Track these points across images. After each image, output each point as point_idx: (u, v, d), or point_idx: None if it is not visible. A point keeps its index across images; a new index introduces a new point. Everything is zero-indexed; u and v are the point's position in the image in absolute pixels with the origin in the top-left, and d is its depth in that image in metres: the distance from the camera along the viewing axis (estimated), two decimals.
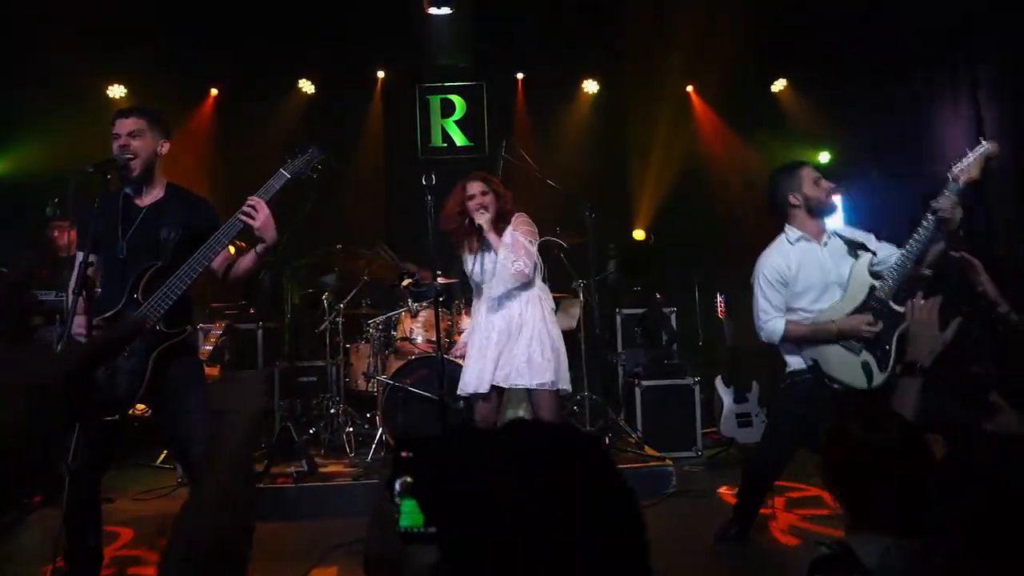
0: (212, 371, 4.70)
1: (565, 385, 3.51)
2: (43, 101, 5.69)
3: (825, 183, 3.16)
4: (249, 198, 2.75)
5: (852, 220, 6.07)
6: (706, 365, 5.46)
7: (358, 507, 3.80)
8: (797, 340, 3.06)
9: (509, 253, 3.44)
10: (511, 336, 3.47)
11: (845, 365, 2.94)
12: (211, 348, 5.28)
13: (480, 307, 3.64)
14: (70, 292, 2.73)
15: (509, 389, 3.53)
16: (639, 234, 5.93)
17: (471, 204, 3.53)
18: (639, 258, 6.01)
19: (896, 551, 1.37)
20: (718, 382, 5.23)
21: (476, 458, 0.80)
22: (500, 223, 3.53)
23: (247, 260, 2.85)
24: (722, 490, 4.15)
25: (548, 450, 0.79)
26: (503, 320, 3.50)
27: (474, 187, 3.56)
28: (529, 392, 3.48)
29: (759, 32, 5.78)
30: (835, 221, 6.12)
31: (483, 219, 3.46)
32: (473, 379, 3.51)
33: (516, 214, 3.56)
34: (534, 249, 3.51)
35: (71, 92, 5.77)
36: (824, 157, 6.74)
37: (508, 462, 0.79)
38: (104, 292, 2.71)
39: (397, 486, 0.88)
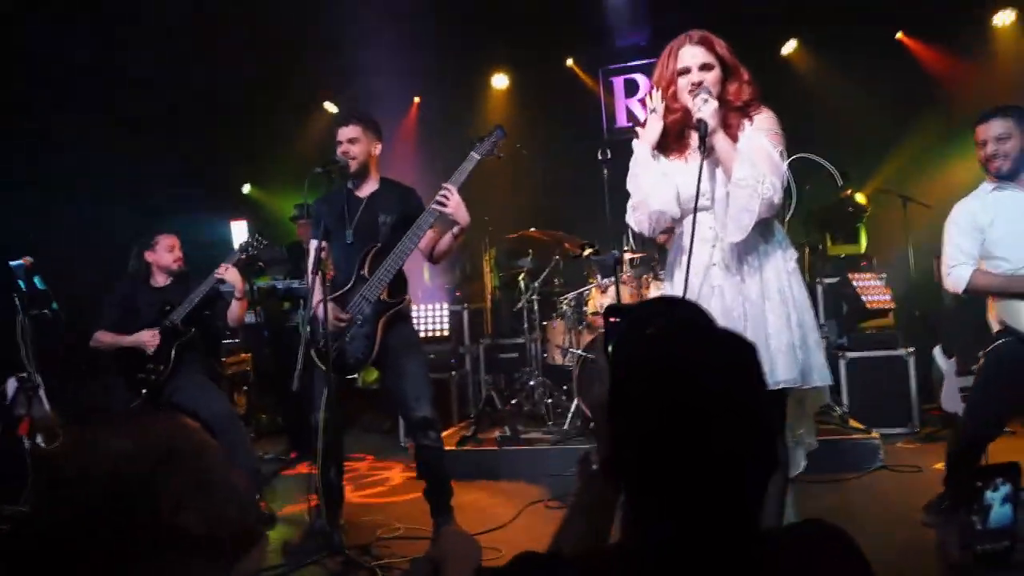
0: None
1: (822, 381, 2.24)
2: (278, 118, 6.64)
3: (990, 148, 2.79)
4: (443, 186, 3.11)
5: None
6: (924, 335, 4.99)
7: (555, 470, 4.09)
8: (987, 291, 2.81)
9: (749, 168, 2.09)
10: (749, 311, 2.18)
11: None
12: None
13: (693, 247, 2.18)
14: (308, 275, 3.30)
15: None
16: (861, 197, 5.41)
17: (681, 83, 2.22)
18: (840, 218, 5.53)
19: None
20: (937, 352, 4.78)
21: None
22: (733, 118, 2.21)
23: (445, 241, 3.22)
24: (937, 466, 3.83)
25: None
26: (740, 284, 2.20)
27: (690, 55, 2.21)
28: None
29: None
30: None
31: (706, 110, 2.10)
32: None
33: (758, 107, 2.23)
34: (784, 165, 2.16)
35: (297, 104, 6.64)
36: None
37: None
38: (337, 273, 3.23)
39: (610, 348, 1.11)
